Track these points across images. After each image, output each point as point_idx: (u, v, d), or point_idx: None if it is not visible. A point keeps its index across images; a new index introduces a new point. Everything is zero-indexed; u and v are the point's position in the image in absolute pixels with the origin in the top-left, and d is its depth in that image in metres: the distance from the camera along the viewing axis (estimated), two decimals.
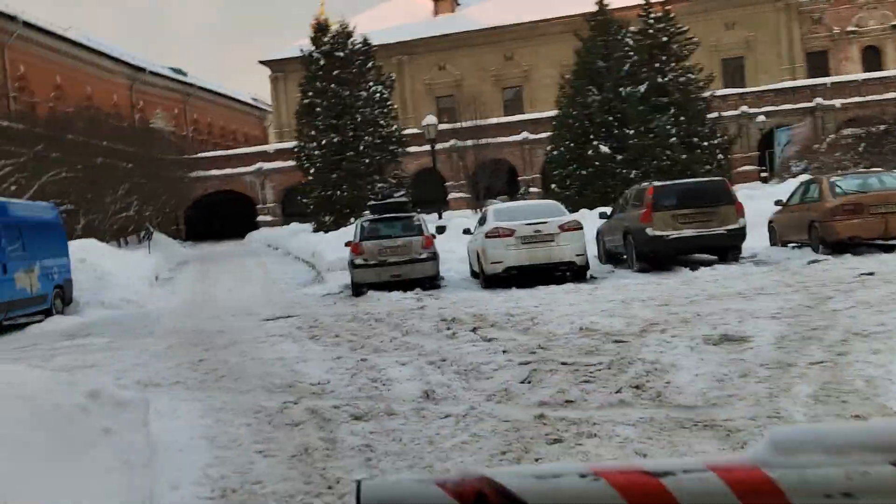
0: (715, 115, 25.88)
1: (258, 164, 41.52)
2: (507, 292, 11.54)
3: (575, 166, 24.05)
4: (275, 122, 50.88)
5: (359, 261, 13.37)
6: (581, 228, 12.45)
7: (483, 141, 35.31)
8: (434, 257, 13.55)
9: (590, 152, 23.69)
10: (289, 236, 30.08)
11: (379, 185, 25.29)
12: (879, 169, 15.42)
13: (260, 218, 41.64)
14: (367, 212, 15.91)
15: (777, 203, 14.18)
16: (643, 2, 26.51)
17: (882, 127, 24.61)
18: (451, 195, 38.59)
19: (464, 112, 38.33)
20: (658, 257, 12.48)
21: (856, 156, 24.99)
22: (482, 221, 13.89)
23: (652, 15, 25.78)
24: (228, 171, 42.04)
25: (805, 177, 19.41)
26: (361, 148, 28.31)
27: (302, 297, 14.27)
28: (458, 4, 48.38)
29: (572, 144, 24.30)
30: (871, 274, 9.37)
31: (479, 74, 44.83)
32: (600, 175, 23.60)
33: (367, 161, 28.31)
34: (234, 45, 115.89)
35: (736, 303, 8.31)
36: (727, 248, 12.40)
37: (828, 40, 42.34)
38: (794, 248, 13.48)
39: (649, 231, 12.24)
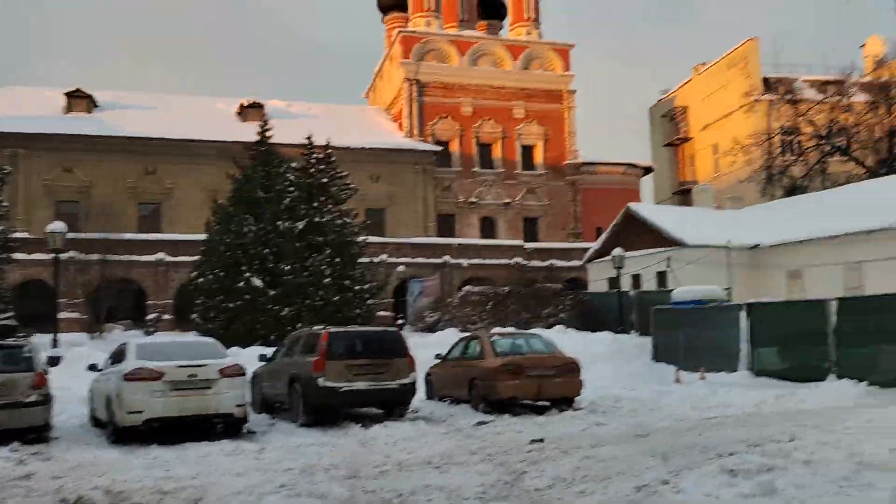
0: (367, 260, 26.44)
1: None
2: (146, 451, 9.24)
3: (222, 297, 22.18)
4: None
5: None
6: (244, 374, 10.81)
7: (111, 257, 31.42)
8: (46, 401, 10.57)
9: (241, 284, 22.12)
10: None
11: None
12: (511, 329, 16.54)
13: None
14: None
15: (437, 357, 14.22)
16: (305, 141, 26.68)
17: (506, 289, 27.46)
18: (64, 314, 33.06)
19: (91, 222, 34.04)
20: (328, 411, 11.32)
21: (483, 313, 27.29)
22: (118, 357, 11.38)
23: (314, 155, 26.00)
24: None
25: (452, 331, 20.49)
26: None
27: None
28: (97, 107, 44.25)
29: (222, 274, 22.51)
30: (541, 440, 9.34)
31: (113, 184, 40.69)
32: (250, 310, 22.05)
33: None
34: None
35: (432, 476, 7.44)
36: (396, 403, 11.79)
37: (455, 206, 47.57)
38: (451, 403, 13.45)
39: (321, 381, 11.09)
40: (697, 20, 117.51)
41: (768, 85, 46.78)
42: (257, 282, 22.17)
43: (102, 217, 34.48)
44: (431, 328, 30.22)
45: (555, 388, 12.11)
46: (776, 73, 47.87)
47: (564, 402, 12.39)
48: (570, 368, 12.35)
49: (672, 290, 22.28)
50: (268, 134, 26.13)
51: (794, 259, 29.99)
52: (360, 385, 11.27)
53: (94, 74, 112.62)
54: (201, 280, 23.15)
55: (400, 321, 35.23)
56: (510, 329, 18.26)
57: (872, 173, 37.74)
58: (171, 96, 49.26)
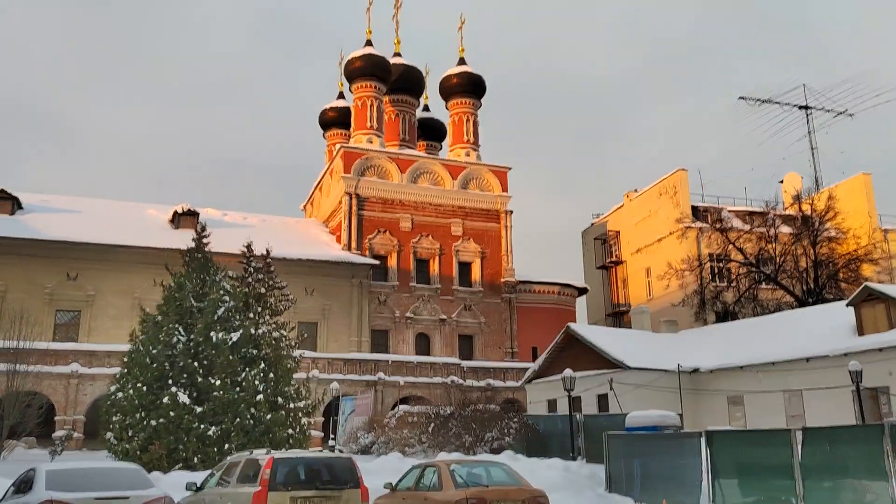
0: (303, 376, 24.97)
1: None
2: None
3: (143, 414, 20.25)
4: None
5: None
6: None
7: (20, 367, 28.82)
8: None
9: (165, 399, 20.30)
10: None
11: None
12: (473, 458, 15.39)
13: None
14: None
15: (386, 486, 12.91)
16: (242, 250, 25.67)
17: (448, 410, 26.25)
18: None
19: (4, 329, 31.43)
20: None
21: (422, 435, 25.89)
22: (23, 486, 9.77)
23: (253, 264, 24.94)
24: None
25: (396, 456, 19.08)
26: None
27: None
28: (21, 209, 42.25)
29: (145, 388, 20.67)
30: None
31: (28, 289, 38.22)
32: (173, 429, 20.15)
33: None
34: None
35: None
36: None
37: (390, 321, 46.56)
38: None
39: None
40: (621, 152, 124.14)
41: (696, 213, 48.68)
42: (184, 397, 20.41)
43: (16, 324, 31.93)
44: (366, 450, 28.47)
45: None
46: (703, 202, 50.05)
47: None
48: (538, 502, 11.30)
49: (624, 414, 21.60)
50: (204, 240, 24.99)
51: (735, 384, 29.98)
52: None
53: (19, 176, 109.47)
54: (120, 394, 21.19)
55: (331, 443, 33.24)
56: (471, 457, 17.01)
57: (800, 302, 38.96)
58: (99, 201, 47.68)
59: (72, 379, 34.21)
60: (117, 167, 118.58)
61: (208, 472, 17.51)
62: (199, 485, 11.86)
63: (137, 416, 20.41)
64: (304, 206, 58.41)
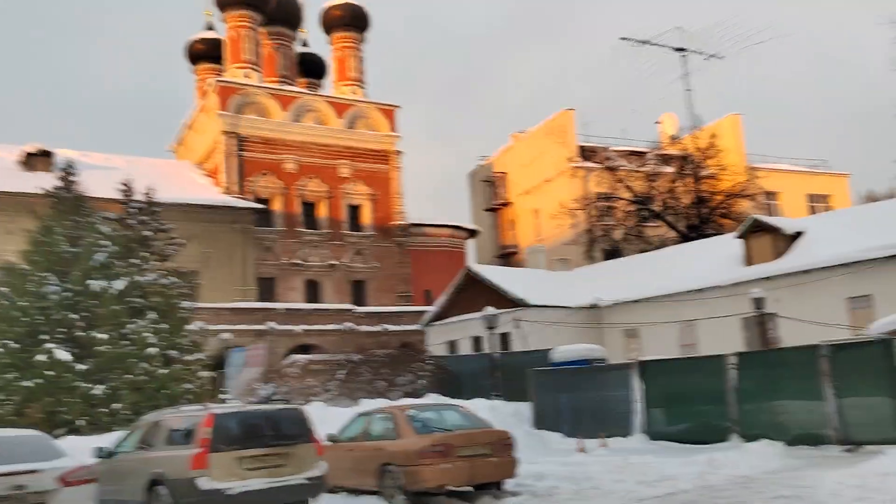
0: (198, 326, 22.89)
1: None
2: None
3: (16, 374, 17.67)
4: None
5: None
6: (95, 480, 7.70)
7: None
8: None
9: (41, 357, 17.78)
10: None
11: None
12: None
13: None
14: None
15: (328, 437, 11.64)
16: (114, 193, 22.97)
17: (357, 356, 25.02)
18: None
19: None
20: None
21: (329, 382, 24.62)
22: None
23: (133, 204, 22.31)
24: None
25: (319, 405, 17.73)
26: None
27: None
28: None
29: (16, 345, 18.02)
30: None
31: None
32: (52, 389, 17.73)
33: None
34: None
35: None
36: None
37: (276, 268, 44.33)
38: (349, 495, 10.93)
39: (204, 482, 8.18)
40: (507, 95, 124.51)
41: (584, 153, 49.20)
42: (63, 354, 17.97)
43: None
44: (267, 402, 26.82)
45: (489, 469, 10.09)
46: (588, 143, 50.64)
47: (493, 486, 10.41)
48: (505, 445, 10.42)
49: (541, 350, 21.29)
50: (72, 179, 22.01)
51: (631, 317, 30.60)
52: (256, 484, 8.47)
53: None
54: None
55: (225, 395, 31.28)
56: (420, 401, 15.88)
57: (684, 237, 40.36)
58: None
59: None
60: None
61: (105, 435, 15.56)
62: (111, 450, 10.09)
63: (9, 376, 17.80)
64: (174, 147, 54.12)
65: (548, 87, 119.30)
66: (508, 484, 10.71)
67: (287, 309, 39.60)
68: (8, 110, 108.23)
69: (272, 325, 38.48)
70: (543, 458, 14.17)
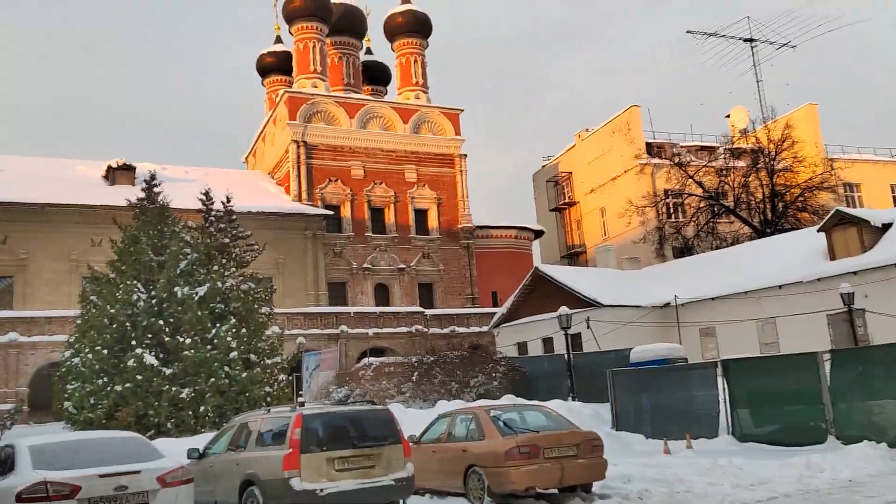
0: (277, 331, 23.38)
1: None
2: None
3: (107, 379, 18.39)
4: None
5: None
6: (191, 480, 7.90)
7: None
8: None
9: (130, 363, 18.45)
10: None
11: None
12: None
13: None
14: None
15: (409, 439, 11.66)
16: (202, 198, 23.67)
17: (430, 359, 25.10)
18: None
19: None
20: None
21: (402, 385, 24.76)
22: (0, 466, 8.11)
23: (212, 213, 22.96)
24: None
25: (397, 406, 17.87)
26: None
27: None
28: None
29: (105, 352, 18.75)
30: None
31: None
32: (141, 393, 18.38)
33: None
34: None
35: None
36: None
37: (347, 273, 44.94)
38: (434, 497, 10.92)
39: (296, 483, 8.29)
40: (570, 93, 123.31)
41: (650, 150, 48.25)
42: (151, 359, 18.60)
43: None
44: (343, 404, 27.17)
45: (578, 471, 9.91)
46: (654, 139, 49.63)
47: (582, 488, 10.23)
48: (594, 446, 10.24)
49: (619, 350, 20.93)
50: (155, 191, 22.81)
51: (707, 316, 29.77)
52: (347, 485, 8.54)
53: None
54: (77, 360, 19.21)
55: (301, 399, 31.86)
56: (499, 402, 15.80)
57: (759, 233, 39.09)
58: (24, 158, 43.99)
59: (10, 349, 31.64)
60: (33, 124, 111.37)
61: (193, 437, 16.01)
62: (201, 451, 10.35)
63: (99, 382, 18.54)
64: (247, 158, 55.57)
65: (611, 84, 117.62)
66: (596, 486, 10.52)
67: (358, 312, 40.08)
68: (91, 128, 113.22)
69: (344, 328, 39.01)
70: (627, 459, 13.87)
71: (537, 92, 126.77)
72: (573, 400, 20.00)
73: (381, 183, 46.99)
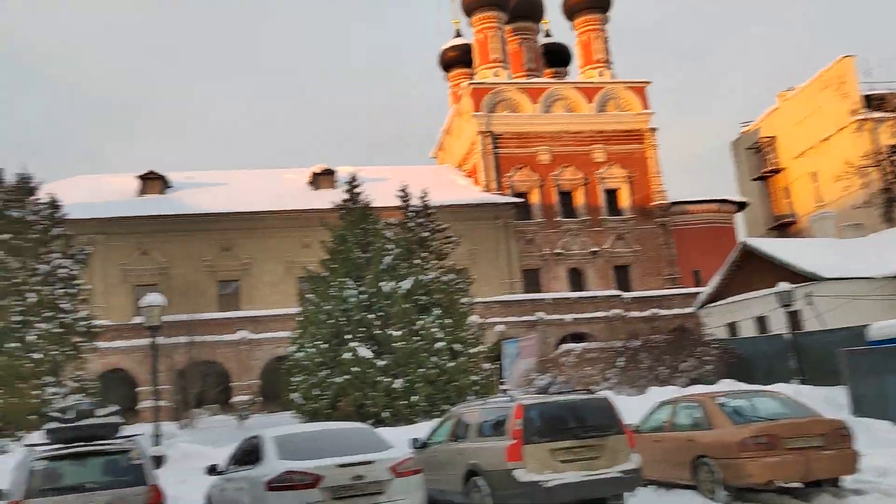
0: (479, 320, 23.74)
1: None
2: None
3: (328, 372, 19.63)
4: None
5: None
6: (421, 471, 8.08)
7: (197, 339, 29.47)
8: None
9: (346, 355, 19.56)
10: None
11: (70, 393, 18.28)
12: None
13: None
14: (42, 436, 9.56)
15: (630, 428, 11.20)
16: (400, 194, 24.58)
17: (635, 344, 24.26)
18: (148, 402, 31.04)
19: (174, 303, 32.29)
20: None
21: (607, 370, 24.11)
22: (248, 455, 8.80)
23: (411, 209, 23.75)
24: None
25: (607, 393, 17.40)
26: (29, 339, 21.02)
27: None
28: (170, 187, 43.38)
29: (325, 345, 20.03)
30: None
31: (190, 264, 39.34)
32: (358, 384, 19.42)
33: (35, 357, 20.92)
34: None
35: None
36: (615, 500, 8.76)
37: (539, 260, 44.76)
38: (660, 489, 10.39)
39: (520, 474, 8.22)
40: (762, 53, 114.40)
41: (869, 103, 43.23)
42: (365, 351, 19.59)
43: (183, 298, 32.75)
44: (545, 392, 27.08)
45: (825, 463, 8.97)
46: (873, 90, 44.38)
47: (829, 482, 9.24)
48: (842, 435, 9.23)
49: (850, 328, 18.89)
50: (356, 192, 24.00)
51: None
52: (571, 477, 8.32)
53: (167, 155, 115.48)
54: (301, 354, 20.69)
55: (504, 387, 32.22)
56: (723, 386, 14.98)
57: None
58: (239, 172, 48.30)
59: (241, 346, 34.91)
60: (241, 137, 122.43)
61: (408, 427, 16.61)
62: (424, 440, 10.61)
63: (321, 374, 19.82)
64: (435, 153, 57.14)
65: (813, 38, 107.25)
66: (847, 481, 9.46)
67: (554, 299, 39.77)
68: (293, 136, 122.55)
69: (541, 315, 38.88)
70: (873, 449, 12.40)
71: (728, 55, 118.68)
72: (801, 384, 18.32)
73: (569, 166, 46.24)
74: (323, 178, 43.99)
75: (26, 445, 8.89)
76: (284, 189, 44.06)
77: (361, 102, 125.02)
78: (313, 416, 19.36)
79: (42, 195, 22.88)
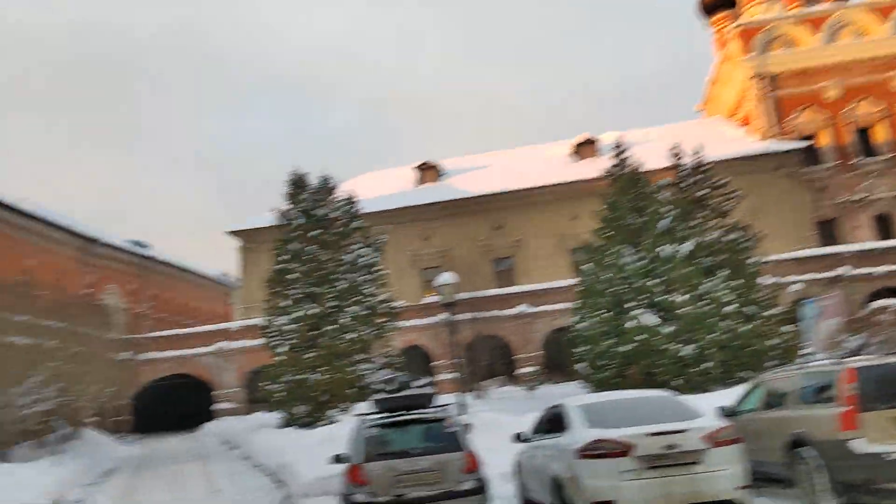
0: (771, 280, 21.90)
1: (218, 344, 36.33)
2: None
3: (614, 341, 19.38)
4: (242, 298, 46.11)
5: (360, 496, 8.16)
6: (742, 440, 7.56)
7: (480, 315, 30.95)
8: (481, 489, 8.41)
9: (629, 323, 19.14)
10: (250, 432, 24.36)
11: (380, 368, 20.33)
12: None
13: (220, 405, 35.79)
14: (367, 408, 10.64)
15: None
16: (673, 152, 23.47)
17: None
18: (441, 376, 33.36)
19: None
20: (869, 491, 7.42)
21: None
22: (552, 424, 8.93)
23: (683, 168, 22.53)
24: (184, 352, 36.75)
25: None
26: (343, 321, 23.58)
27: None
28: (443, 174, 45.96)
29: (607, 314, 19.80)
30: None
31: (467, 245, 41.42)
32: (644, 352, 18.91)
33: (349, 337, 23.43)
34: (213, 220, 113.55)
35: None
36: None
37: (834, 209, 40.04)
38: None
39: (858, 445, 7.34)
40: None
41: None
42: (649, 318, 19.01)
43: (464, 278, 34.58)
44: (857, 354, 24.16)
45: None
46: None
47: None
48: None
49: None
50: (623, 157, 23.32)
51: None
52: None
53: (440, 146, 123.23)
54: (583, 324, 20.68)
55: (807, 350, 29.42)
56: None
57: None
58: (504, 152, 49.65)
59: (521, 319, 35.95)
60: (504, 117, 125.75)
61: (702, 395, 15.82)
62: (734, 408, 9.95)
63: (605, 343, 19.63)
64: (701, 106, 53.63)
65: None
66: None
67: (859, 250, 35.29)
68: (554, 108, 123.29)
69: (843, 270, 34.73)
70: None
71: None
72: None
73: (864, 98, 40.58)
74: (585, 148, 43.56)
75: (356, 415, 9.91)
76: (547, 164, 44.37)
77: (616, 68, 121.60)
78: (600, 386, 19.26)
79: (340, 193, 25.51)
